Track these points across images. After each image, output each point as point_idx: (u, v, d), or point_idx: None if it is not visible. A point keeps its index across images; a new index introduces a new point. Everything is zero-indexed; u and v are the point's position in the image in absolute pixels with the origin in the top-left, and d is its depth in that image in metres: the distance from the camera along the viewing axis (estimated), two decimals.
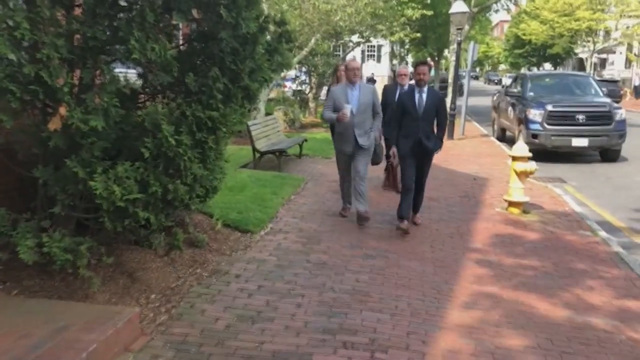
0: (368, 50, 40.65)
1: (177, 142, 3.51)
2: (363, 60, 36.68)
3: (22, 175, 3.97)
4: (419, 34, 25.97)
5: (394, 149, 6.30)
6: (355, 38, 21.05)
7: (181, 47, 4.30)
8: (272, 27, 3.99)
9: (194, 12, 4.07)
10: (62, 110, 3.46)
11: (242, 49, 3.84)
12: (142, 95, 4.10)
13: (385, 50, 38.98)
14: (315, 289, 4.46)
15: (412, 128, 6.10)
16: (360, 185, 6.32)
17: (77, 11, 3.80)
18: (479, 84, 67.24)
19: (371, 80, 29.93)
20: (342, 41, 21.09)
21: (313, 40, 15.75)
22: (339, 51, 23.96)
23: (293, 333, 3.69)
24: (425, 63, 6.35)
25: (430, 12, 22.70)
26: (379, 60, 42.08)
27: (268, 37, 4.09)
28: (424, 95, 6.13)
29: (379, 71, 38.69)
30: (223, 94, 3.70)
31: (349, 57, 22.02)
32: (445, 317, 4.13)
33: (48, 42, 3.29)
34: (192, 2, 3.64)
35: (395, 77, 11.29)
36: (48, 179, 3.72)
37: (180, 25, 4.72)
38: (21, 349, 2.99)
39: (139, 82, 4.21)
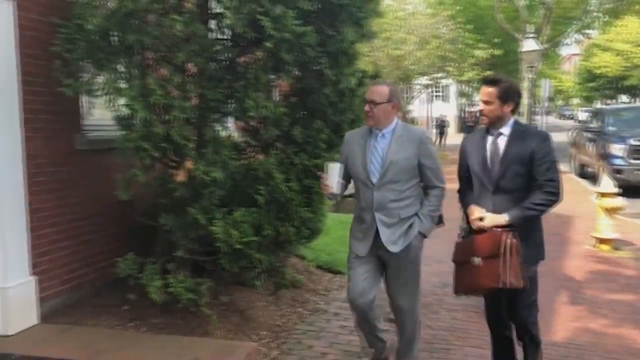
0: (435, 91, 40.79)
1: (287, 188, 3.86)
2: (430, 101, 36.74)
3: (144, 223, 4.43)
4: (489, 73, 25.91)
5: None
6: (424, 80, 21.39)
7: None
8: (368, 81, 4.34)
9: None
10: (188, 164, 3.90)
11: (340, 102, 4.20)
12: (250, 148, 4.51)
13: (453, 89, 39.01)
14: None
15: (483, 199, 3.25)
16: (405, 326, 3.58)
17: (190, 72, 4.29)
18: (552, 119, 65.67)
19: (441, 125, 28.63)
20: (410, 84, 21.48)
21: None
22: (406, 93, 24.34)
23: None
24: (492, 82, 3.24)
25: (499, 52, 22.76)
26: (446, 100, 42.05)
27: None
28: (501, 141, 3.21)
29: (445, 111, 38.61)
30: (326, 143, 4.05)
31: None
32: (548, 354, 4.18)
33: (177, 105, 3.75)
34: (297, 63, 4.02)
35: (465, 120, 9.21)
36: (172, 226, 4.14)
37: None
38: None
39: (242, 137, 4.64)
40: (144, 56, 4.21)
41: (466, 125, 26.81)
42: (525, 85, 16.96)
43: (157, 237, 4.43)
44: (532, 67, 15.14)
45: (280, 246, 4.16)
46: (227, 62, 4.05)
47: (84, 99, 4.83)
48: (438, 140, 25.68)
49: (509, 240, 2.99)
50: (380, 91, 3.32)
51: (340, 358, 4.03)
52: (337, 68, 3.97)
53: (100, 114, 4.93)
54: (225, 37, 4.33)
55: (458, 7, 20.91)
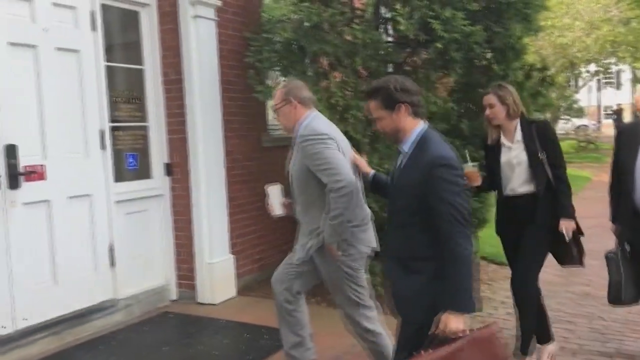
0: (605, 78, 37.65)
1: None
2: (599, 89, 34.03)
3: None
4: None
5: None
6: (592, 67, 20.01)
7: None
8: (535, 74, 4.43)
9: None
10: (365, 157, 4.31)
11: None
12: None
13: (627, 76, 35.70)
14: (583, 317, 4.62)
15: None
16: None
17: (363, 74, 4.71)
18: None
19: (618, 115, 26.21)
20: (577, 72, 20.22)
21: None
22: (572, 82, 22.89)
23: (569, 353, 3.95)
24: None
25: None
26: (618, 88, 38.59)
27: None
28: None
29: (618, 100, 35.43)
30: None
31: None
32: None
33: (354, 105, 4.19)
34: (463, 59, 4.25)
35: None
36: None
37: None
38: (343, 346, 3.80)
39: None
40: (323, 62, 4.73)
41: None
42: None
43: None
44: None
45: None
46: (398, 63, 4.40)
47: (269, 103, 5.51)
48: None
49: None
50: (275, 97, 3.08)
51: (510, 342, 4.20)
52: (505, 63, 4.13)
53: None
54: (394, 40, 4.70)
55: None
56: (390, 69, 4.44)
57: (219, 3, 4.76)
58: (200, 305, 4.80)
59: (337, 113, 4.16)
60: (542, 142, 3.39)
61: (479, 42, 3.99)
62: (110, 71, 4.44)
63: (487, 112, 3.48)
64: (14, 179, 3.72)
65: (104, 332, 4.13)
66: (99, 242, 4.28)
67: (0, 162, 3.66)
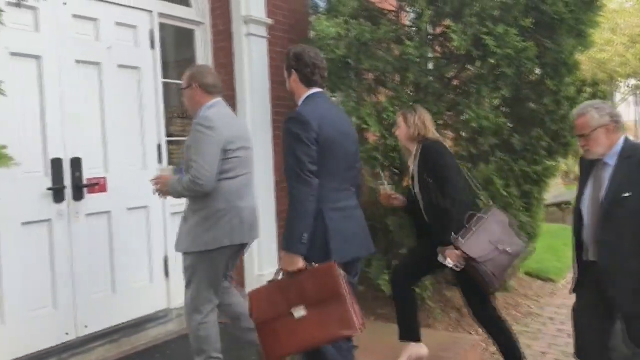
0: None
1: (507, 194, 4.12)
2: (637, 104, 33.25)
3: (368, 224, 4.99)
4: None
5: None
6: (631, 82, 19.63)
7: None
8: (587, 89, 4.42)
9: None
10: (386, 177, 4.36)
11: (559, 110, 4.34)
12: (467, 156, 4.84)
13: None
14: None
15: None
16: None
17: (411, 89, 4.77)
18: None
19: None
20: (615, 86, 19.85)
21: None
22: (611, 97, 22.46)
23: None
24: None
25: None
26: None
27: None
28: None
29: None
30: (546, 150, 4.24)
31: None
32: None
33: None
34: (515, 75, 4.26)
35: None
36: (395, 227, 4.63)
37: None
38: None
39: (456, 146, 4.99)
40: (369, 77, 4.80)
41: None
42: None
43: (379, 236, 4.96)
44: None
45: None
46: (448, 79, 4.44)
47: None
48: None
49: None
50: (183, 78, 3.26)
51: (560, 358, 4.16)
52: (558, 78, 4.15)
53: None
54: (441, 55, 4.75)
55: None
56: (438, 84, 4.48)
57: (271, 21, 4.89)
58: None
59: (387, 128, 4.22)
60: (427, 166, 3.33)
61: (531, 58, 4.01)
62: (166, 87, 4.59)
63: (394, 130, 3.53)
64: (78, 190, 3.87)
65: (159, 341, 4.22)
66: (154, 253, 4.40)
67: (66, 175, 3.81)
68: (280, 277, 2.58)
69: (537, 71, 4.51)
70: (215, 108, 3.15)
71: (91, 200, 3.96)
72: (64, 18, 3.84)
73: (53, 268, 3.74)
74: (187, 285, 3.19)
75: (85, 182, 3.90)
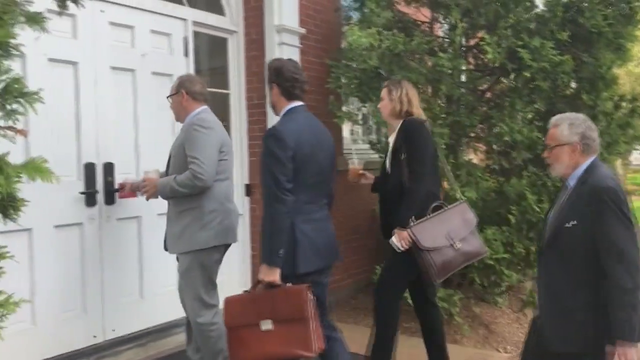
0: None
1: (539, 209, 4.04)
2: None
3: None
4: None
5: None
6: None
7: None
8: (625, 105, 4.32)
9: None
10: (445, 184, 4.31)
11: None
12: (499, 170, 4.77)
13: None
14: None
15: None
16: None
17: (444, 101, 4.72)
18: None
19: None
20: None
21: None
22: None
23: None
24: None
25: None
26: None
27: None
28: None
29: None
30: None
31: None
32: None
33: (437, 132, 4.20)
34: (550, 89, 4.19)
35: None
36: None
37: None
38: None
39: (488, 160, 4.93)
40: None
41: None
42: None
43: None
44: None
45: (528, 264, 4.33)
46: (481, 91, 4.39)
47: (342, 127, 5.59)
48: None
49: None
50: (172, 86, 3.41)
51: None
52: (594, 93, 4.06)
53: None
54: (474, 68, 4.70)
55: None
56: (471, 97, 4.43)
57: (303, 31, 4.91)
58: None
59: None
60: (405, 141, 3.14)
61: (567, 71, 3.93)
62: None
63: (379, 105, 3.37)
64: (110, 195, 3.92)
65: (184, 347, 4.24)
66: None
67: (98, 179, 3.87)
68: (257, 288, 2.72)
69: (573, 85, 4.43)
70: (205, 113, 3.29)
71: (122, 205, 4.00)
72: (101, 25, 3.91)
73: (83, 271, 3.80)
74: (187, 293, 3.30)
75: (117, 186, 3.95)
